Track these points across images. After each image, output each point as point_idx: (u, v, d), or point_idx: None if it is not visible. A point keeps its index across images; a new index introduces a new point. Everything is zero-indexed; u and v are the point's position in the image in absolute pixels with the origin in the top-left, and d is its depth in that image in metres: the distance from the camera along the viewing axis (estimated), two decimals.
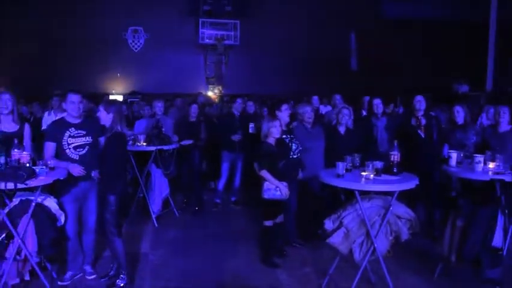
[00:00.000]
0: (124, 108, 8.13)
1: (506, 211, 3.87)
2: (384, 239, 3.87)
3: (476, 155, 4.16)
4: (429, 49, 17.43)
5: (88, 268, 4.34)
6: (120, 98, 15.85)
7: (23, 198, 3.78)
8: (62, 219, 3.95)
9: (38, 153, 4.33)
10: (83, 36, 16.57)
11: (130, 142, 5.82)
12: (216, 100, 15.72)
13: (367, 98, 7.04)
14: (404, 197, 5.24)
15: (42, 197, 3.88)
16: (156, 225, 6.01)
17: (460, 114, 5.21)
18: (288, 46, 17.93)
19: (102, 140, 4.14)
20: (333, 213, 4.00)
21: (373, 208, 3.84)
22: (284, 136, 4.91)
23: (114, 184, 4.02)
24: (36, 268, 3.89)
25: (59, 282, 4.16)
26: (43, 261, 4.09)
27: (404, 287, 4.18)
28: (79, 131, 4.08)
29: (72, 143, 4.03)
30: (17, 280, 3.95)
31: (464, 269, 4.12)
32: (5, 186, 3.47)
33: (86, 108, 4.88)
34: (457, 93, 13.76)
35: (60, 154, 4.01)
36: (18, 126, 4.25)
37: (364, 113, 7.01)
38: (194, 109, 6.68)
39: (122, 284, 4.06)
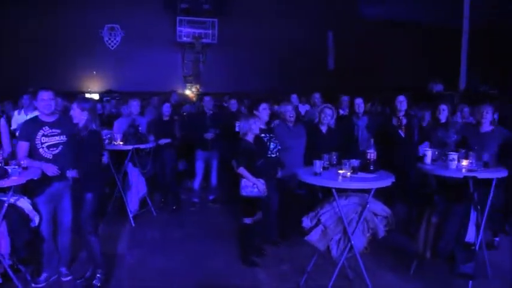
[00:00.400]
0: (99, 107, 8.06)
1: (479, 207, 3.97)
2: (361, 236, 3.92)
3: (451, 152, 4.24)
4: (404, 50, 17.69)
5: (63, 269, 4.27)
6: (96, 96, 15.61)
7: None
8: (36, 220, 3.87)
9: None
10: (58, 34, 16.28)
11: (107, 141, 5.75)
12: (194, 99, 15.64)
13: (344, 97, 7.09)
14: (383, 194, 5.34)
15: (15, 198, 3.80)
16: (133, 224, 5.95)
17: (444, 112, 5.30)
18: (265, 45, 17.97)
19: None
20: (310, 211, 4.02)
21: (350, 206, 3.88)
22: (263, 135, 4.94)
23: (91, 182, 3.97)
24: (9, 271, 3.81)
25: (33, 285, 4.08)
26: (15, 264, 4.01)
27: (381, 283, 4.24)
28: (53, 130, 4.00)
29: (45, 142, 3.95)
30: None
31: (439, 264, 4.19)
32: None
33: (60, 106, 4.80)
34: (432, 92, 14.02)
35: (33, 153, 3.93)
36: None
37: (342, 111, 7.07)
38: (166, 108, 6.67)
39: (98, 284, 4.01)
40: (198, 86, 18.70)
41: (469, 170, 4.06)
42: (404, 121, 5.60)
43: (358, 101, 6.29)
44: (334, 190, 3.75)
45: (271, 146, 5.00)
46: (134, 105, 6.49)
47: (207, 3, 18.37)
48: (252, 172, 4.53)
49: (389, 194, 5.62)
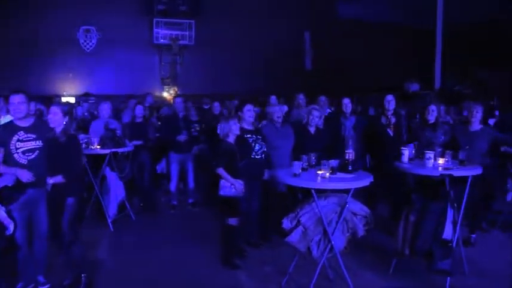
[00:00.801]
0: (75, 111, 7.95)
1: (455, 205, 4.05)
2: (341, 236, 3.95)
3: (427, 151, 4.31)
4: (382, 50, 17.88)
5: (41, 278, 4.17)
6: (72, 99, 15.35)
7: None
8: (11, 228, 3.77)
9: None
10: (32, 36, 15.92)
11: (84, 145, 5.66)
12: (172, 101, 15.50)
13: (322, 98, 7.13)
14: (367, 194, 5.40)
15: None
16: (112, 229, 5.87)
17: (433, 113, 5.37)
18: (243, 46, 17.95)
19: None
20: (290, 213, 4.04)
21: (330, 206, 3.91)
22: (249, 136, 4.95)
23: (73, 187, 3.92)
24: None
25: None
26: None
27: (362, 282, 4.27)
28: (28, 135, 3.91)
29: (20, 148, 3.86)
30: None
31: (418, 262, 4.24)
32: None
33: (33, 110, 4.70)
34: (408, 92, 14.28)
35: (7, 159, 3.83)
36: None
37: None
38: (139, 110, 6.71)
39: None
40: (175, 88, 18.55)
41: (445, 168, 4.14)
42: (393, 120, 5.68)
43: (346, 101, 6.24)
44: (313, 191, 3.77)
45: (256, 148, 5.00)
46: (105, 109, 6.43)
47: (183, 5, 18.25)
48: (233, 173, 4.54)
49: (373, 193, 5.72)
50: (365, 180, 3.87)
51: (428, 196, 4.18)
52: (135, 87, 14.74)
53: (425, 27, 15.30)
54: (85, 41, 17.82)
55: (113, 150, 5.88)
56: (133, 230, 5.96)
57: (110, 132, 5.96)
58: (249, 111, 5.10)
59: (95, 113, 8.08)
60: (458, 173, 4.11)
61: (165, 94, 18.33)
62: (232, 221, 4.64)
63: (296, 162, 3.93)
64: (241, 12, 17.85)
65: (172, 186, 6.90)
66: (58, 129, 3.93)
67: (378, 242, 5.17)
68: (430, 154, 4.25)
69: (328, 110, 6.92)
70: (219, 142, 4.74)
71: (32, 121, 4.00)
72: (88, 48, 17.77)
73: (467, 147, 4.83)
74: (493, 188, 5.71)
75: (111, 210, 6.03)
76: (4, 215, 3.76)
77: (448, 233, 3.97)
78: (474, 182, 4.34)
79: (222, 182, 4.58)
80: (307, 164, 4.17)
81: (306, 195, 4.04)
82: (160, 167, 7.56)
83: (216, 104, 7.81)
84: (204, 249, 5.17)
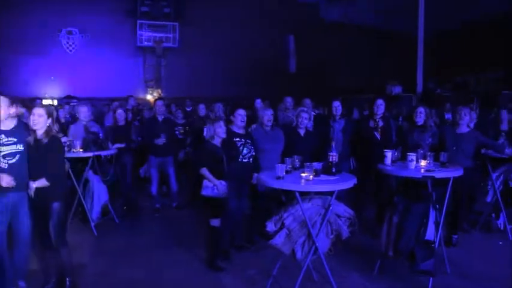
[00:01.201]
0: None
1: (437, 206, 4.11)
2: (325, 238, 3.97)
3: (410, 153, 4.36)
4: (365, 53, 18.05)
5: (22, 283, 4.09)
6: (54, 102, 15.17)
7: None
8: None
9: None
10: (14, 37, 15.71)
11: (66, 148, 5.59)
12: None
13: (307, 100, 7.17)
14: (354, 196, 5.43)
15: None
16: (96, 233, 5.81)
17: (421, 115, 5.42)
18: (226, 48, 17.95)
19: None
20: (274, 215, 4.04)
21: (314, 208, 3.92)
22: (237, 139, 4.95)
23: (57, 191, 3.87)
24: None
25: None
26: None
27: (346, 283, 4.30)
28: (9, 139, 3.84)
29: (0, 152, 3.79)
30: None
31: (402, 263, 4.28)
32: None
33: (16, 113, 4.62)
34: (391, 94, 14.45)
35: None
36: None
37: None
38: (120, 113, 6.72)
39: None
40: (159, 91, 18.49)
41: (427, 170, 4.20)
42: (381, 123, 5.74)
43: (336, 103, 6.17)
44: (297, 193, 3.79)
45: (244, 151, 5.00)
46: (83, 112, 6.37)
47: (167, 7, 18.23)
48: (217, 175, 4.56)
49: (360, 196, 5.77)
50: (348, 182, 3.89)
51: (410, 198, 4.23)
52: (118, 90, 14.63)
53: (407, 31, 15.50)
54: (67, 42, 17.64)
55: (96, 153, 5.82)
56: (117, 234, 5.90)
57: (92, 135, 5.90)
58: (241, 116, 5.11)
59: (77, 115, 7.98)
60: (440, 174, 4.17)
61: (149, 96, 18.25)
62: (214, 222, 4.64)
63: (279, 165, 3.94)
64: (225, 15, 17.85)
65: (154, 189, 6.88)
66: (41, 131, 3.87)
67: (363, 243, 5.22)
68: (412, 156, 4.30)
69: (313, 113, 6.94)
70: (204, 143, 4.77)
71: (13, 124, 3.93)
72: (71, 50, 17.60)
73: (454, 148, 4.92)
74: (474, 189, 5.81)
75: (95, 214, 5.95)
76: None
77: (430, 234, 4.03)
78: (456, 183, 4.41)
79: (205, 182, 4.60)
80: (290, 166, 4.18)
81: (289, 197, 4.05)
82: (144, 170, 7.52)
83: (202, 106, 7.78)
84: (188, 252, 5.15)
